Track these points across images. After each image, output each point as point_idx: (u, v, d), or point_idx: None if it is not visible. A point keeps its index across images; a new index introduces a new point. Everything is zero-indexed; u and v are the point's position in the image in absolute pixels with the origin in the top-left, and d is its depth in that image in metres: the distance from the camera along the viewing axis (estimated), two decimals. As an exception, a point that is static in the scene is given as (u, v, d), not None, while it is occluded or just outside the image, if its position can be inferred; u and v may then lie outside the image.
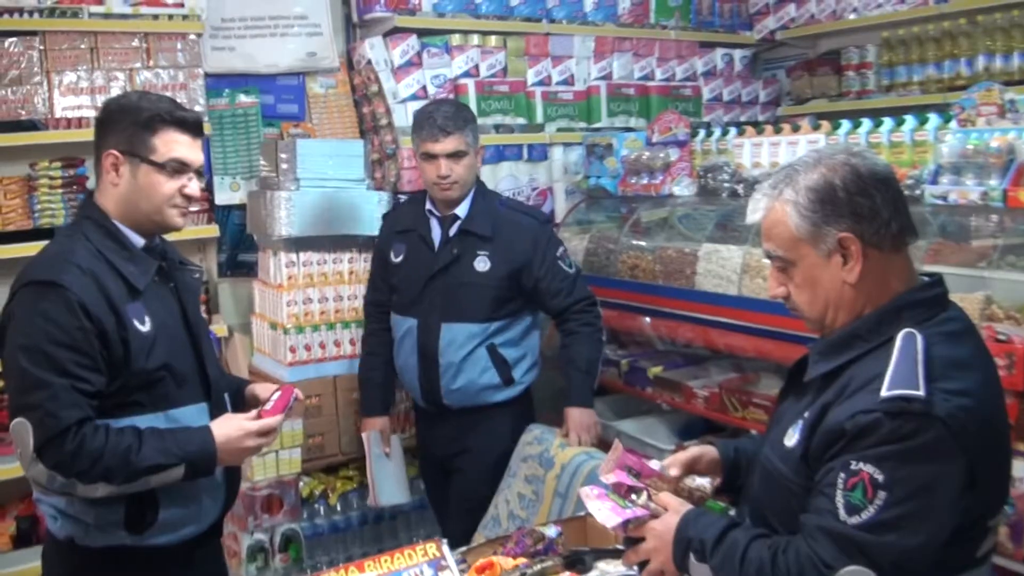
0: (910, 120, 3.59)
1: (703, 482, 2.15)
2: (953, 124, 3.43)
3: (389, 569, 2.31)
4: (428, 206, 3.74)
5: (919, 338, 1.76)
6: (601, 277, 4.52)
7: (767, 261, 2.05)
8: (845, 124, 3.81)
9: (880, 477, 1.67)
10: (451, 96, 4.81)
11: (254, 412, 2.51)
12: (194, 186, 2.49)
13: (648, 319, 4.31)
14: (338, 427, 4.09)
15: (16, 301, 2.33)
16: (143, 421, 2.37)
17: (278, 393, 2.61)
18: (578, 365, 3.66)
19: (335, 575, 2.29)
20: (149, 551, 2.44)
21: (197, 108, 4.24)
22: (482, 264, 3.61)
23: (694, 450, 2.20)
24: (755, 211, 2.00)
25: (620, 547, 2.25)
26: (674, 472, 2.12)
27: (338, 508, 4.15)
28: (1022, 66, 4.57)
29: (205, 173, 4.39)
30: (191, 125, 2.50)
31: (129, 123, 2.42)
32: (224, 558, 2.85)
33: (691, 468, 2.17)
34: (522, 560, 2.37)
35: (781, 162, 3.92)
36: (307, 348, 4.01)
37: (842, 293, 1.88)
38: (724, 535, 1.86)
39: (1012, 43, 4.60)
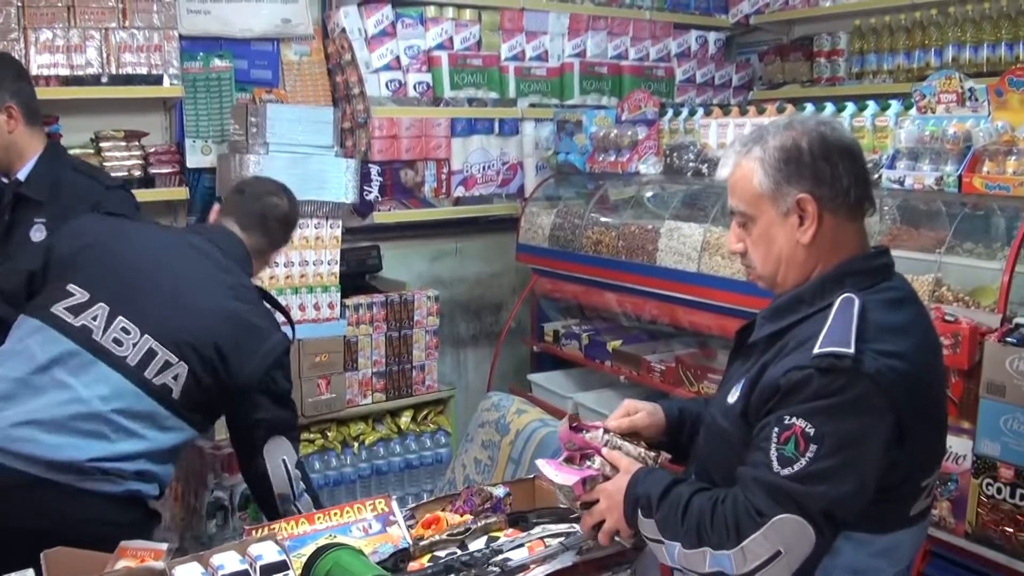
0: (872, 105, 3.65)
1: (653, 453, 2.20)
2: (913, 111, 3.49)
3: (338, 522, 2.37)
4: None
5: (856, 302, 1.84)
6: (566, 252, 4.58)
7: (729, 222, 2.13)
8: (809, 108, 3.87)
9: (811, 431, 1.75)
10: (423, 68, 4.84)
11: None
12: None
13: (612, 294, 4.38)
14: (300, 390, 4.13)
15: None
16: None
17: None
18: None
19: (286, 526, 2.35)
20: None
21: (171, 70, 4.27)
22: (38, 234, 3.11)
23: (642, 415, 2.26)
24: (724, 167, 2.07)
25: (562, 505, 2.32)
26: (612, 424, 2.21)
27: (298, 470, 4.21)
28: (991, 58, 4.63)
29: (177, 136, 4.43)
30: None
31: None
32: None
33: (635, 428, 2.23)
34: (468, 517, 2.42)
35: (746, 143, 3.97)
36: (272, 311, 4.03)
37: (795, 252, 1.96)
38: (669, 490, 1.94)
39: (982, 35, 4.66)
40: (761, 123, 3.87)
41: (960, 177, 3.13)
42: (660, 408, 2.29)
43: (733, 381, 2.04)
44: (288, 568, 1.99)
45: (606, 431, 2.19)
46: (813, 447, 1.74)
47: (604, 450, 2.14)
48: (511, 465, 3.29)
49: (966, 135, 3.20)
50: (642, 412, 2.26)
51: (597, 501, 2.09)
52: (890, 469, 1.81)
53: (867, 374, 1.75)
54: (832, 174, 1.92)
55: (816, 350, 1.78)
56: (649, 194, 4.58)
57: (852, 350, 1.75)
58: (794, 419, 1.77)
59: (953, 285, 3.07)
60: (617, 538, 2.08)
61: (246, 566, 1.98)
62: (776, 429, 1.79)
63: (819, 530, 1.75)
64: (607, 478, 2.09)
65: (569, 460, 2.18)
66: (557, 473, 2.14)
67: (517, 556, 2.17)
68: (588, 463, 2.14)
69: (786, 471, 1.76)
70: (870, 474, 1.78)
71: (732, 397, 1.99)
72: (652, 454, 2.17)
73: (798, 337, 1.88)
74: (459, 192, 5.04)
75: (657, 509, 1.93)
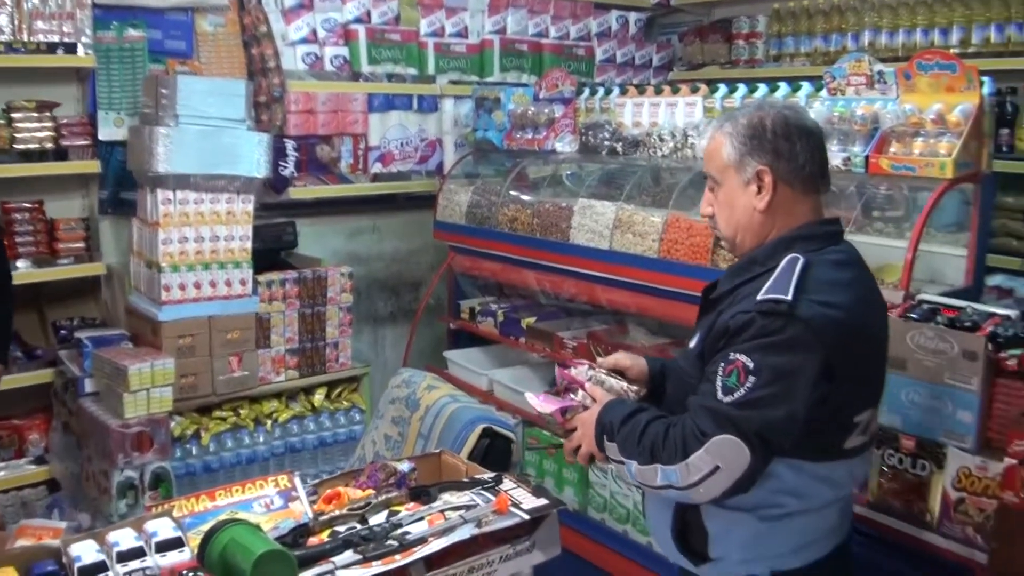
0: (783, 87, 3.70)
1: (635, 387, 2.42)
2: (823, 92, 3.54)
3: (240, 498, 2.37)
4: None
5: (800, 260, 2.09)
6: (483, 229, 4.58)
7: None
8: (722, 88, 3.90)
9: (750, 364, 2.03)
10: (340, 42, 4.79)
11: None
12: None
13: (528, 272, 4.39)
14: (211, 368, 4.09)
15: None
16: None
17: None
18: None
19: (186, 503, 2.33)
20: None
21: (84, 39, 4.18)
22: None
23: (626, 358, 2.51)
24: (702, 137, 2.42)
25: (466, 480, 2.35)
26: (601, 362, 2.49)
27: (211, 448, 4.16)
28: (906, 43, 4.71)
29: (89, 107, 4.34)
30: None
31: None
32: None
33: (618, 366, 2.49)
34: (371, 492, 2.42)
35: (660, 122, 4.03)
36: (181, 287, 3.97)
37: (752, 218, 2.24)
38: (629, 417, 2.21)
39: (898, 20, 4.75)
40: (675, 103, 3.96)
41: (867, 158, 3.20)
42: (644, 359, 2.53)
43: (696, 331, 2.34)
44: (183, 544, 1.98)
45: (591, 367, 2.45)
46: (752, 378, 2.02)
47: (587, 385, 2.39)
48: (420, 440, 3.28)
49: (874, 117, 3.28)
50: (625, 354, 2.54)
51: (575, 429, 2.34)
52: (821, 402, 2.04)
53: (801, 318, 2.01)
54: (790, 150, 2.19)
55: (759, 296, 2.06)
56: (567, 172, 4.59)
57: (790, 297, 2.02)
58: (737, 355, 2.05)
59: (860, 263, 3.12)
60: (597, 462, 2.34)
61: (141, 543, 1.96)
62: (722, 364, 2.07)
63: (753, 449, 2.02)
64: (587, 408, 2.34)
65: (556, 394, 2.45)
66: (541, 403, 2.42)
67: (416, 529, 2.18)
68: (571, 396, 2.40)
69: (728, 398, 2.04)
70: (800, 404, 2.02)
71: (692, 343, 2.33)
72: (634, 387, 2.42)
73: (747, 290, 2.16)
74: (376, 168, 5.00)
75: (618, 432, 2.20)
